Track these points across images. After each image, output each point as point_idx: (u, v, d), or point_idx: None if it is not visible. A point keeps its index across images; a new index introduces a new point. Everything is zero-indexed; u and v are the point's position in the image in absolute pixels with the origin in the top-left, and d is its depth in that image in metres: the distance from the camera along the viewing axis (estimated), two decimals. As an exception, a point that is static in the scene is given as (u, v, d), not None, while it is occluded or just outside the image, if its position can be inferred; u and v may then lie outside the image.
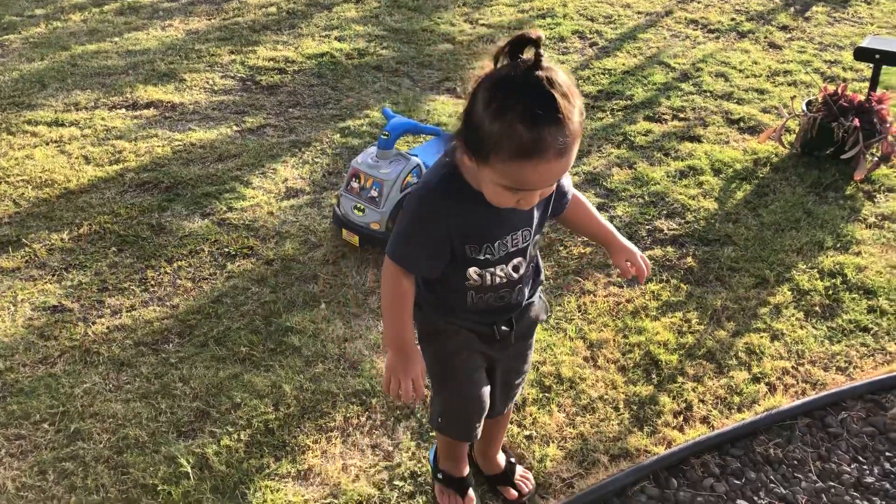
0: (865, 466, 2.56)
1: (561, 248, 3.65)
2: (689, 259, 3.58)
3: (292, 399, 2.75)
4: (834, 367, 2.95)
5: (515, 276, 1.90)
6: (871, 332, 3.12)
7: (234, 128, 4.79)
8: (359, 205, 3.55)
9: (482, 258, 1.82)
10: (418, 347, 1.96)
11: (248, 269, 3.46)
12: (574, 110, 1.49)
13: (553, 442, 2.61)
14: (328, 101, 5.20)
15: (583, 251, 3.62)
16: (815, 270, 3.47)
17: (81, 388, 2.78)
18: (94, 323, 3.12)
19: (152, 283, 3.37)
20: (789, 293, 3.33)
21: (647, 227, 3.83)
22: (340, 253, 3.58)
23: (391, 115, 3.67)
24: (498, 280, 1.88)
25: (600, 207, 3.97)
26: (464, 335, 2.00)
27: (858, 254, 3.59)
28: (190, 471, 2.45)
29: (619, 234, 2.10)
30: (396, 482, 2.46)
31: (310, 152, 4.51)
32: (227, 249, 3.58)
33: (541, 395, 2.80)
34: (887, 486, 2.48)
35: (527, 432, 2.64)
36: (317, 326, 3.10)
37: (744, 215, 3.89)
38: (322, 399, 2.75)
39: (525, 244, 1.86)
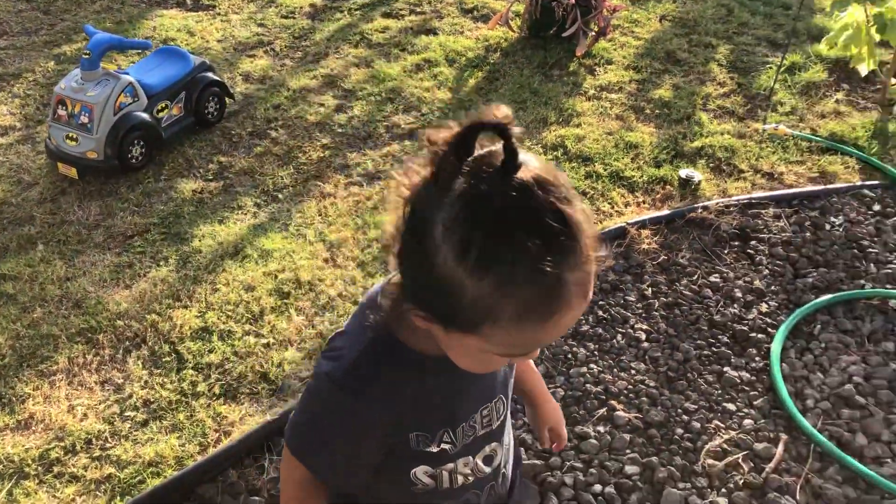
0: (581, 317, 2.77)
1: (300, 154, 3.59)
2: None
3: (7, 349, 2.55)
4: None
5: (487, 469, 1.25)
6: (588, 195, 3.34)
7: (-73, 66, 4.24)
8: (71, 134, 3.28)
9: (436, 450, 1.16)
10: None
11: (-48, 220, 3.13)
12: (581, 215, 0.92)
13: (292, 345, 2.62)
14: (40, 28, 4.72)
15: (322, 154, 3.58)
16: (540, 146, 3.65)
17: None
18: None
19: None
20: (516, 170, 3.49)
21: (385, 123, 3.84)
22: (59, 189, 3.32)
23: (93, 33, 3.38)
24: (461, 480, 1.21)
25: (338, 110, 3.93)
26: None
27: (579, 125, 3.81)
28: None
29: (548, 392, 1.53)
30: (128, 413, 2.38)
31: (20, 85, 4.10)
32: (-77, 201, 3.22)
33: (279, 303, 2.78)
34: (600, 331, 2.71)
35: (264, 341, 2.63)
36: (34, 270, 2.88)
37: (475, 101, 4.00)
38: (42, 344, 2.58)
39: (500, 418, 1.24)
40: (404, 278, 0.99)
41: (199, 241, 3.05)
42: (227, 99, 3.83)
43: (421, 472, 1.17)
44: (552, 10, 4.41)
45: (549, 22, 4.45)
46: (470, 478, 1.22)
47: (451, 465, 1.18)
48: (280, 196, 3.34)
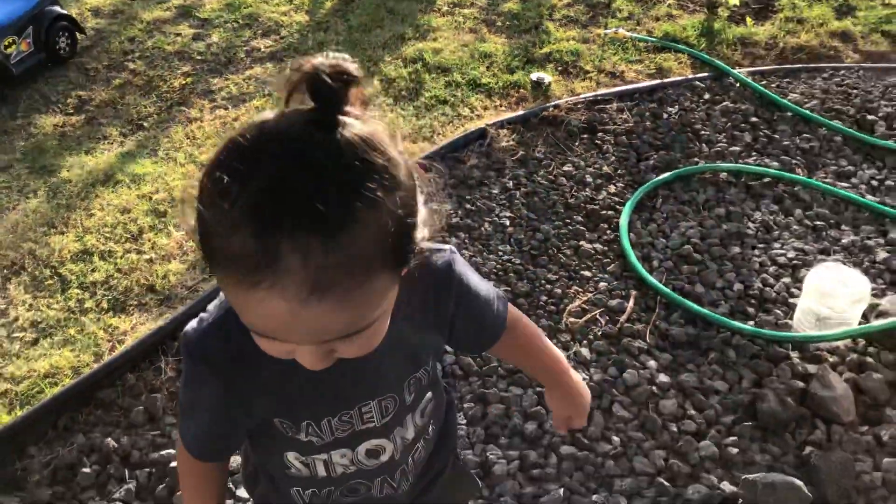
0: (451, 211, 2.98)
1: (161, 83, 3.58)
2: (289, 71, 3.71)
3: None
4: (421, 138, 3.32)
5: (371, 463, 1.16)
6: (449, 103, 3.53)
7: None
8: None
9: (304, 439, 1.09)
10: None
11: None
12: (369, 209, 0.74)
13: (175, 258, 2.69)
14: None
15: (184, 82, 3.59)
16: (400, 60, 3.79)
17: None
18: None
19: None
20: (379, 84, 3.63)
21: (245, 48, 3.87)
22: None
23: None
24: (340, 470, 1.15)
25: (196, 38, 3.93)
26: None
27: (435, 39, 3.97)
28: None
29: (572, 372, 1.32)
30: (16, 334, 2.41)
31: None
32: None
33: (157, 221, 2.84)
34: (469, 222, 2.93)
35: (147, 256, 2.69)
36: None
37: (334, 23, 4.08)
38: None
39: (388, 417, 1.11)
40: None
41: (68, 171, 3.04)
42: (77, 34, 3.75)
43: (292, 457, 1.12)
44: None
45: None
46: (351, 468, 1.14)
47: (324, 456, 1.12)
48: (145, 124, 3.35)
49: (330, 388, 1.03)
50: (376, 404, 1.09)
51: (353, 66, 0.78)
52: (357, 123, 0.77)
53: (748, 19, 4.13)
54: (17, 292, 2.54)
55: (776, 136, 3.32)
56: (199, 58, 3.78)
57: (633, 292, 2.65)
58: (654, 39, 4.01)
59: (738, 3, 4.15)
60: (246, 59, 3.80)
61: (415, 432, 1.17)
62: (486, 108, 3.51)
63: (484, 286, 1.14)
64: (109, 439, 2.12)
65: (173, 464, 2.02)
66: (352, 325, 0.80)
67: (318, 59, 0.78)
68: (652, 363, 2.42)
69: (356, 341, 0.83)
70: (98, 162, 3.10)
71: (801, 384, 2.28)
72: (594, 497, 2.07)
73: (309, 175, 0.73)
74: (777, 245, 2.83)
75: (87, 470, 2.07)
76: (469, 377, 2.34)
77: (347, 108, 0.78)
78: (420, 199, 0.83)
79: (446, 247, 1.07)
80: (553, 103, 3.50)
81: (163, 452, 2.08)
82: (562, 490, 2.07)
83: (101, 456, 2.10)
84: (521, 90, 3.62)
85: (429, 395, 1.17)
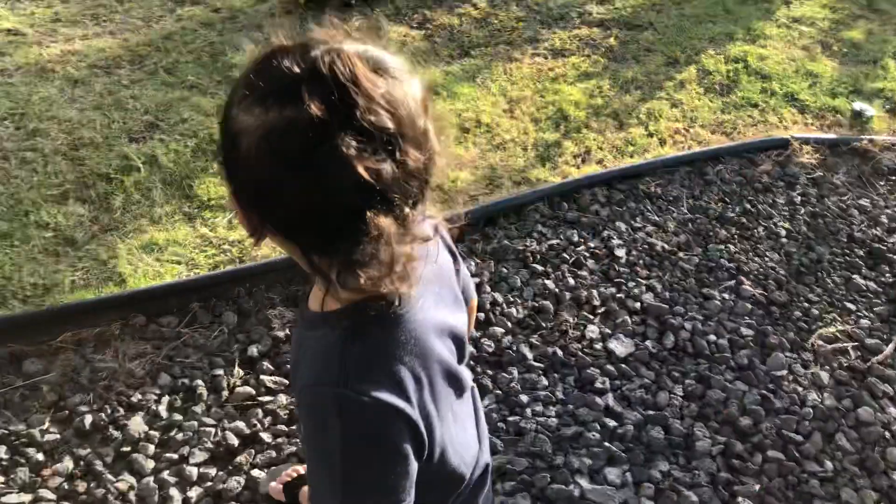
0: (729, 205, 2.99)
1: (495, 21, 3.89)
2: (612, 40, 3.86)
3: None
4: (721, 132, 3.34)
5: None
6: (759, 107, 3.49)
7: None
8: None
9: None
10: None
11: (197, 15, 3.63)
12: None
13: (466, 169, 2.97)
14: None
15: (515, 26, 3.87)
16: (722, 56, 3.80)
17: (38, 96, 3.01)
18: (48, 47, 3.30)
19: (104, 19, 3.53)
20: (695, 72, 3.67)
21: (579, 9, 4.08)
22: (286, 9, 3.77)
23: None
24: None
25: (537, -9, 4.19)
26: None
27: (764, 46, 3.92)
28: (141, 165, 2.75)
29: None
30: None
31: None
32: (176, -5, 3.74)
33: (460, 135, 3.13)
34: (744, 220, 2.92)
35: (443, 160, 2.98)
36: (260, 65, 3.34)
37: (668, 7, 4.16)
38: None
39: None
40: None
41: (399, 73, 3.42)
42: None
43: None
44: (762, -63, 4.46)
45: (757, -52, 4.51)
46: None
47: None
48: (472, 53, 3.66)
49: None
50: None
51: None
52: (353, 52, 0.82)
53: None
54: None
55: None
56: (535, 7, 4.04)
57: (896, 338, 2.52)
58: None
59: None
60: (576, 20, 4.00)
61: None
62: (795, 123, 3.43)
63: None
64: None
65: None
66: None
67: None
68: (893, 410, 2.31)
69: None
70: (425, 74, 3.45)
71: None
72: None
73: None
74: None
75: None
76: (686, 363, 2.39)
77: None
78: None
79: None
80: (869, 137, 3.35)
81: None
82: (757, 486, 2.08)
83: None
84: (838, 115, 3.49)
85: None
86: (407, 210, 0.84)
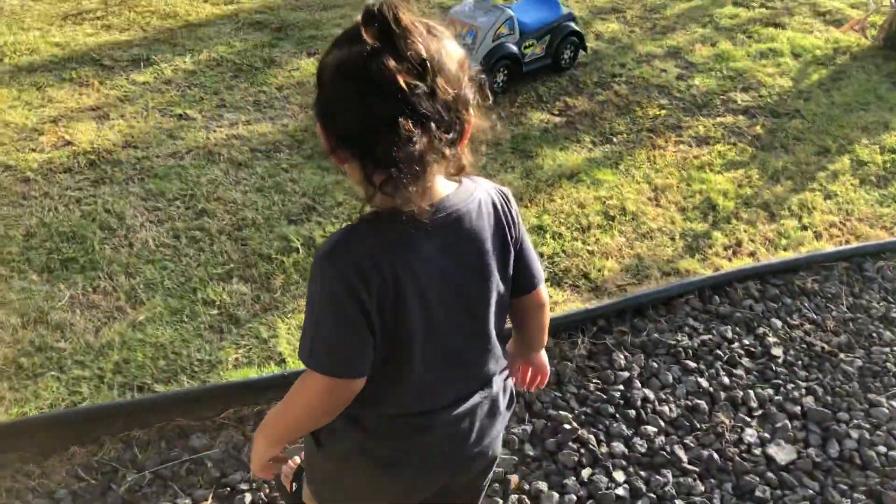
0: (893, 305, 2.83)
1: (637, 109, 3.90)
2: (758, 128, 3.80)
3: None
4: (879, 226, 3.19)
5: None
6: (921, 200, 3.33)
7: (338, -18, 5.09)
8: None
9: None
10: None
11: (349, 101, 3.82)
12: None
13: (612, 258, 2.95)
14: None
15: (657, 112, 3.87)
16: (877, 146, 3.66)
17: (206, 178, 3.21)
18: (214, 131, 3.54)
19: (265, 105, 3.77)
20: (848, 162, 3.55)
21: (722, 97, 4.04)
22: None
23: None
24: None
25: (679, 78, 4.18)
26: None
27: (922, 136, 3.76)
28: (300, 247, 2.87)
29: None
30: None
31: (407, 9, 4.79)
32: (330, 83, 3.95)
33: (605, 223, 3.13)
34: (911, 318, 2.76)
35: (590, 248, 2.98)
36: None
37: (816, 94, 4.06)
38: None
39: None
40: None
41: (542, 160, 3.47)
42: (580, 50, 4.23)
43: None
44: (917, 23, 4.33)
45: (910, 34, 4.38)
46: None
47: None
48: (615, 140, 3.68)
49: None
50: None
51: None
52: None
53: None
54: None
55: None
56: (677, 95, 4.03)
57: None
58: None
59: None
60: (720, 107, 3.96)
61: None
62: (962, 218, 3.25)
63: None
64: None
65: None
66: None
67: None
68: None
69: None
70: (568, 159, 3.49)
71: None
72: None
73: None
74: None
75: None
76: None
77: None
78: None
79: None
80: None
81: (560, 412, 2.33)
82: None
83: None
84: None
85: None
86: (439, 133, 1.09)
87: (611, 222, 3.13)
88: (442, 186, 1.20)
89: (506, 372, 1.46)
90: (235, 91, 3.84)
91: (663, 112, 3.88)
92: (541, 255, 2.94)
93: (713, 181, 3.39)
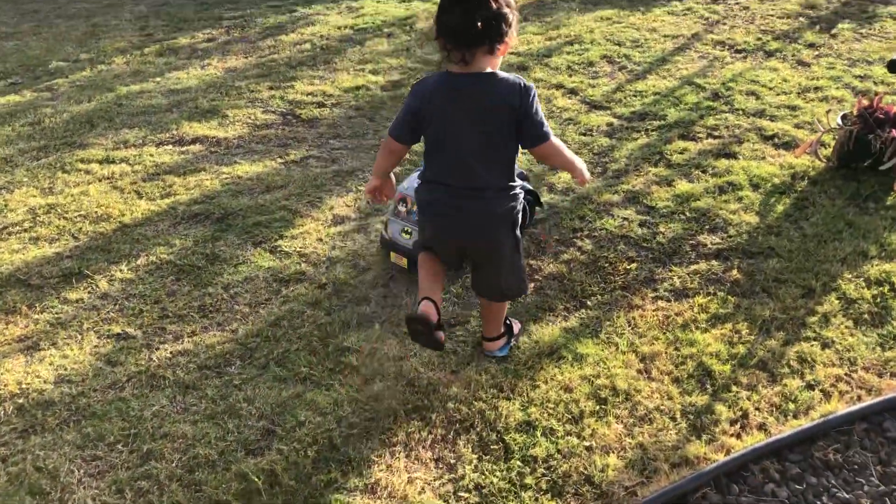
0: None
1: (606, 265, 3.70)
2: (735, 272, 3.62)
3: (354, 416, 2.82)
4: (888, 374, 2.97)
5: None
6: (922, 337, 3.13)
7: (279, 160, 4.92)
8: (406, 228, 3.64)
9: None
10: None
11: (303, 293, 3.55)
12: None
13: (613, 452, 2.65)
14: (367, 132, 5.33)
15: (627, 267, 3.68)
16: (862, 279, 3.50)
17: (150, 411, 2.87)
18: (157, 349, 3.22)
19: (211, 309, 3.48)
20: (837, 302, 3.36)
21: (691, 241, 3.88)
22: (389, 276, 3.67)
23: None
24: None
25: (642, 226, 4.03)
26: None
27: (904, 262, 3.61)
28: (261, 487, 2.52)
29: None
30: (461, 493, 2.51)
31: (352, 181, 4.63)
32: (280, 275, 3.69)
33: (597, 408, 2.84)
34: (950, 487, 2.49)
35: (586, 443, 2.69)
36: (372, 346, 3.18)
37: (785, 228, 3.93)
38: (383, 415, 2.82)
39: None
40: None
41: (525, 338, 3.21)
42: (537, 207, 4.06)
43: None
44: (868, 143, 4.28)
45: (864, 154, 4.32)
46: None
47: None
48: (589, 303, 3.45)
49: None
50: None
51: None
52: None
53: None
54: (465, 449, 2.67)
55: None
56: (644, 245, 3.86)
57: None
58: None
59: None
60: (691, 253, 3.79)
61: None
62: (970, 352, 3.05)
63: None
64: None
65: None
66: None
67: None
68: None
69: None
70: (544, 333, 3.24)
71: None
72: None
73: None
74: None
75: None
76: None
77: None
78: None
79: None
80: None
81: None
82: None
83: None
84: None
85: None
86: (502, 36, 2.48)
87: (604, 406, 2.85)
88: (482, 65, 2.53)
89: (506, 192, 2.67)
90: (178, 297, 3.55)
91: (633, 266, 3.69)
92: (534, 458, 2.63)
93: (702, 342, 3.15)
